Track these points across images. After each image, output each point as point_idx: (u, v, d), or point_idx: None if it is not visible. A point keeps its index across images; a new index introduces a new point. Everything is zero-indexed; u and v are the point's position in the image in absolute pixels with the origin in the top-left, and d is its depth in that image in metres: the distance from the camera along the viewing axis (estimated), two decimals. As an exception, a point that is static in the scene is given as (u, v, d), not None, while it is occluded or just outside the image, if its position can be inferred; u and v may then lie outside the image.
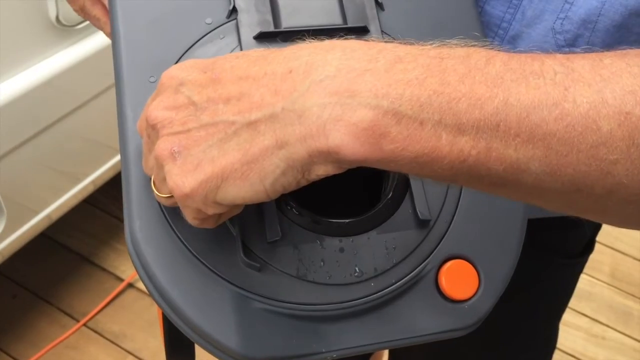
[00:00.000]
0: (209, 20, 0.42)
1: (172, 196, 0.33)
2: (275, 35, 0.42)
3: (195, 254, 0.37)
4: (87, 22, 1.06)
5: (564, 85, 0.27)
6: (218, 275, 0.37)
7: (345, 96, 0.28)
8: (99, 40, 1.04)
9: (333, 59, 0.29)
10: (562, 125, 0.27)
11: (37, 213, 1.13)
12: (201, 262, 0.37)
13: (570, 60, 0.28)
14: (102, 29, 0.54)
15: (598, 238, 0.71)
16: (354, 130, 0.28)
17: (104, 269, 1.48)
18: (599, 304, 1.73)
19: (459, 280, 0.39)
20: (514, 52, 0.30)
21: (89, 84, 1.10)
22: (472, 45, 0.30)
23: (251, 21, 0.42)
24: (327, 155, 0.29)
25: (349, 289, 0.38)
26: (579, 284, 0.81)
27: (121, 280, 1.46)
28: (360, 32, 0.42)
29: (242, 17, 0.42)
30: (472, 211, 0.41)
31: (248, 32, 0.42)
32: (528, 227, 0.59)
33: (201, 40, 0.41)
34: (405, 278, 0.39)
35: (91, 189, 1.29)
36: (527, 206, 0.42)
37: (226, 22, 0.42)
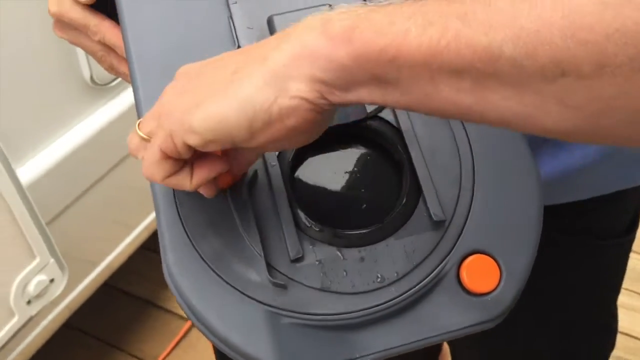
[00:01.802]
0: None
1: (147, 139, 0.36)
2: None
3: (225, 279, 0.40)
4: (120, 79, 1.12)
5: None
6: (248, 297, 0.39)
7: (322, 21, 0.31)
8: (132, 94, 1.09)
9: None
10: (528, 3, 0.26)
11: (96, 265, 1.18)
12: (232, 286, 0.39)
13: None
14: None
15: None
16: (327, 32, 0.30)
17: (167, 310, 1.53)
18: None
19: (480, 274, 0.40)
20: None
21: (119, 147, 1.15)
22: None
23: None
24: (301, 61, 0.31)
25: (374, 295, 0.40)
26: (633, 265, 0.79)
27: (185, 319, 1.50)
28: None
29: None
30: (486, 206, 0.42)
31: None
32: (561, 214, 0.60)
33: None
34: (427, 278, 0.40)
35: (145, 235, 1.34)
36: (542, 193, 0.43)
37: None
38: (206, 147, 0.34)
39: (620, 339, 0.80)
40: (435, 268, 0.40)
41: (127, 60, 0.47)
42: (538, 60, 0.25)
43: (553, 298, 0.69)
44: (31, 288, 0.96)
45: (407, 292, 0.40)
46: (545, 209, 0.58)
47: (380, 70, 0.30)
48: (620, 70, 0.24)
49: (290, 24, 0.33)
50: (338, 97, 0.31)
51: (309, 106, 0.32)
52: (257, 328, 0.39)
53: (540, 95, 0.27)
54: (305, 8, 0.45)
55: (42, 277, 0.97)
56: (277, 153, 0.42)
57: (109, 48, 0.54)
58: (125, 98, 1.10)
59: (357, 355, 0.39)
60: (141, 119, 0.37)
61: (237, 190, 0.41)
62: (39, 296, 0.98)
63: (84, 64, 1.02)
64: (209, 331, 0.39)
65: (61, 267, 1.01)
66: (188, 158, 0.36)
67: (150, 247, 1.63)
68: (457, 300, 0.40)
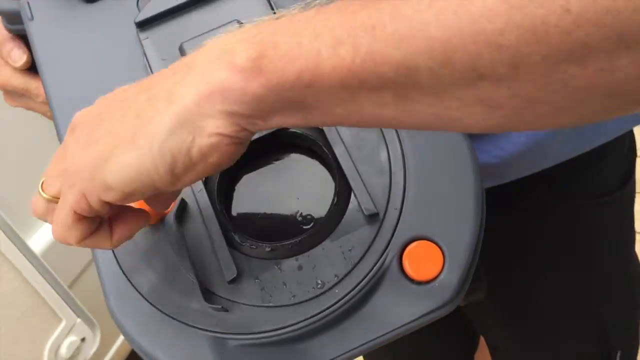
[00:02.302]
0: None
1: (55, 199, 0.34)
2: None
3: (166, 312, 0.39)
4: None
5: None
6: (191, 326, 0.39)
7: (223, 52, 0.29)
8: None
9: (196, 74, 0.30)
10: (434, 10, 0.25)
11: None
12: (173, 318, 0.39)
13: None
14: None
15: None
16: (232, 64, 0.28)
17: None
18: None
19: (423, 261, 0.39)
20: None
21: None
22: None
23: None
24: (213, 98, 0.29)
25: (317, 302, 0.39)
26: None
27: None
28: None
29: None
30: (420, 192, 0.40)
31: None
32: (552, 179, 0.58)
33: None
34: (369, 275, 0.39)
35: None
36: (478, 171, 0.41)
37: None
38: (127, 200, 0.32)
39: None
40: (376, 263, 0.39)
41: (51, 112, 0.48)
42: (455, 68, 0.25)
43: (569, 262, 0.66)
44: (63, 350, 0.98)
45: (349, 293, 0.39)
46: (535, 177, 0.56)
47: (298, 96, 0.28)
48: (535, 68, 0.24)
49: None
50: (259, 125, 0.30)
51: (230, 140, 0.30)
52: (205, 356, 0.38)
53: (462, 100, 0.27)
54: (214, 29, 0.45)
55: (73, 338, 0.99)
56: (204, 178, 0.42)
57: None
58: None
59: None
60: (43, 179, 0.35)
61: (167, 221, 0.41)
62: (72, 357, 1.00)
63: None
64: (157, 366, 0.39)
65: (91, 325, 1.03)
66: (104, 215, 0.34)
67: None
68: (405, 292, 0.39)
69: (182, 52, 0.45)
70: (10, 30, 0.53)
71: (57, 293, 0.96)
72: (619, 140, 0.60)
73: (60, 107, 0.46)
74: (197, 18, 0.46)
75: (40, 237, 0.99)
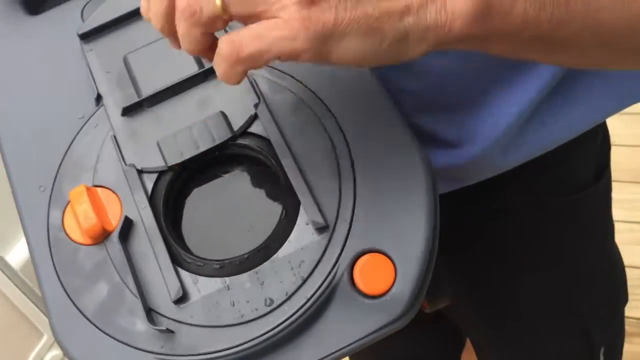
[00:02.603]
0: (80, 115, 0.44)
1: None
2: (140, 105, 0.43)
3: (111, 335, 0.38)
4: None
5: None
6: (136, 349, 0.38)
7: None
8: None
9: None
10: None
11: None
12: (118, 340, 0.38)
13: None
14: None
15: None
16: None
17: None
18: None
19: (374, 274, 0.38)
20: None
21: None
22: None
23: (116, 101, 0.44)
24: (430, 27, 0.31)
25: (265, 321, 0.37)
26: None
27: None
28: None
29: (107, 100, 0.44)
30: (371, 204, 0.39)
31: (115, 112, 0.43)
32: (522, 179, 0.56)
33: (78, 136, 0.44)
34: (319, 290, 0.38)
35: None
36: (431, 180, 0.40)
37: (96, 110, 0.44)
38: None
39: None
40: (326, 277, 0.38)
41: None
42: None
43: (548, 260, 0.65)
44: (46, 365, 0.97)
45: (299, 309, 0.37)
46: (502, 177, 0.55)
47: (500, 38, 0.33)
48: None
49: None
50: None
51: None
52: None
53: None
54: (159, 39, 0.44)
55: (55, 352, 0.98)
56: (149, 194, 0.41)
57: None
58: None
59: None
60: None
61: (111, 239, 0.40)
62: (56, 371, 0.99)
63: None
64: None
65: (74, 338, 1.02)
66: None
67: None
68: (357, 307, 0.38)
69: (126, 63, 0.44)
70: None
71: (38, 308, 0.95)
72: (590, 133, 0.58)
73: (2, 119, 0.45)
74: (141, 28, 0.45)
75: (18, 252, 0.98)
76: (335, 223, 0.39)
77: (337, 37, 0.30)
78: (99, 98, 0.44)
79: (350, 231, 0.38)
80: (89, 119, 0.44)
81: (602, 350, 0.72)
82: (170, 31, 0.34)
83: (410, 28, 0.31)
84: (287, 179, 0.40)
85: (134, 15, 0.45)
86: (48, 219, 0.41)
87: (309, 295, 0.37)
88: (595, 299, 0.70)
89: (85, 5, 0.48)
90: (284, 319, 0.37)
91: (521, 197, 0.61)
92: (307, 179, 0.40)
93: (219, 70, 0.32)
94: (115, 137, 0.42)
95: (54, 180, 0.42)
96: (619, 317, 0.74)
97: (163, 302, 0.38)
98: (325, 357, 0.37)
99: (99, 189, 0.41)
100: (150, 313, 0.38)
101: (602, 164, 0.64)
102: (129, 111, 0.43)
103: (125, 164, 0.41)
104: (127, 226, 0.40)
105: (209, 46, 0.33)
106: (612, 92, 0.55)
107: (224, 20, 0.32)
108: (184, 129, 0.41)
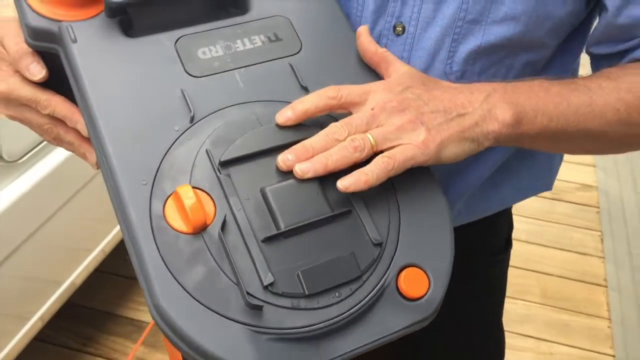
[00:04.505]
0: (176, 128, 0.53)
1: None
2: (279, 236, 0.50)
3: (209, 307, 0.46)
4: (29, 156, 1.14)
5: (589, 94, 0.56)
6: (231, 320, 0.46)
7: (507, 101, 0.55)
8: (40, 170, 1.13)
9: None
10: (589, 109, 0.56)
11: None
12: (216, 312, 0.46)
13: (587, 80, 0.58)
14: (74, 151, 0.62)
15: (522, 265, 0.81)
16: (510, 111, 0.54)
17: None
18: (538, 323, 1.87)
19: (413, 282, 0.51)
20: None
21: (29, 221, 1.17)
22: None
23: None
24: (490, 132, 0.54)
25: (335, 308, 0.48)
26: (517, 309, 0.87)
27: None
28: (346, 215, 0.51)
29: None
30: (410, 228, 0.52)
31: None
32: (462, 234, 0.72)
33: (175, 144, 0.52)
34: (373, 291, 0.50)
35: (39, 326, 1.32)
36: (449, 212, 0.54)
37: (190, 127, 0.53)
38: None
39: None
40: (378, 282, 0.50)
41: (90, 131, 0.53)
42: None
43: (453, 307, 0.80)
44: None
45: (359, 303, 0.49)
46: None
47: (521, 139, 0.58)
48: None
49: None
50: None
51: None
52: (243, 347, 0.46)
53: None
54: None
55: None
56: (246, 198, 0.50)
57: (57, 120, 0.60)
58: (35, 173, 1.13)
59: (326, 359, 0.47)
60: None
61: (208, 231, 0.49)
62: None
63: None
64: (199, 354, 0.46)
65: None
66: None
67: (44, 338, 1.59)
68: (398, 306, 0.50)
69: (264, 195, 0.51)
70: (31, 46, 0.57)
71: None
72: (507, 209, 0.77)
73: (107, 121, 0.52)
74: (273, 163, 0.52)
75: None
76: (386, 242, 0.51)
77: (444, 148, 0.53)
78: (194, 117, 0.53)
79: (397, 248, 0.51)
80: (184, 132, 0.53)
81: None
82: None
83: (480, 134, 0.54)
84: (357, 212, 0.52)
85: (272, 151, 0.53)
86: (150, 208, 0.49)
87: (366, 294, 0.49)
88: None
89: (178, 39, 0.57)
90: (347, 308, 0.48)
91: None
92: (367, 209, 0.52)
93: (370, 175, 0.50)
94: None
95: (154, 177, 0.50)
96: None
97: (253, 285, 0.48)
98: (370, 343, 0.49)
99: (197, 190, 0.50)
100: (247, 294, 0.47)
101: (510, 237, 0.83)
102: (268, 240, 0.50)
103: (221, 174, 0.51)
104: (225, 222, 0.49)
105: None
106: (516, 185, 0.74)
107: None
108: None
